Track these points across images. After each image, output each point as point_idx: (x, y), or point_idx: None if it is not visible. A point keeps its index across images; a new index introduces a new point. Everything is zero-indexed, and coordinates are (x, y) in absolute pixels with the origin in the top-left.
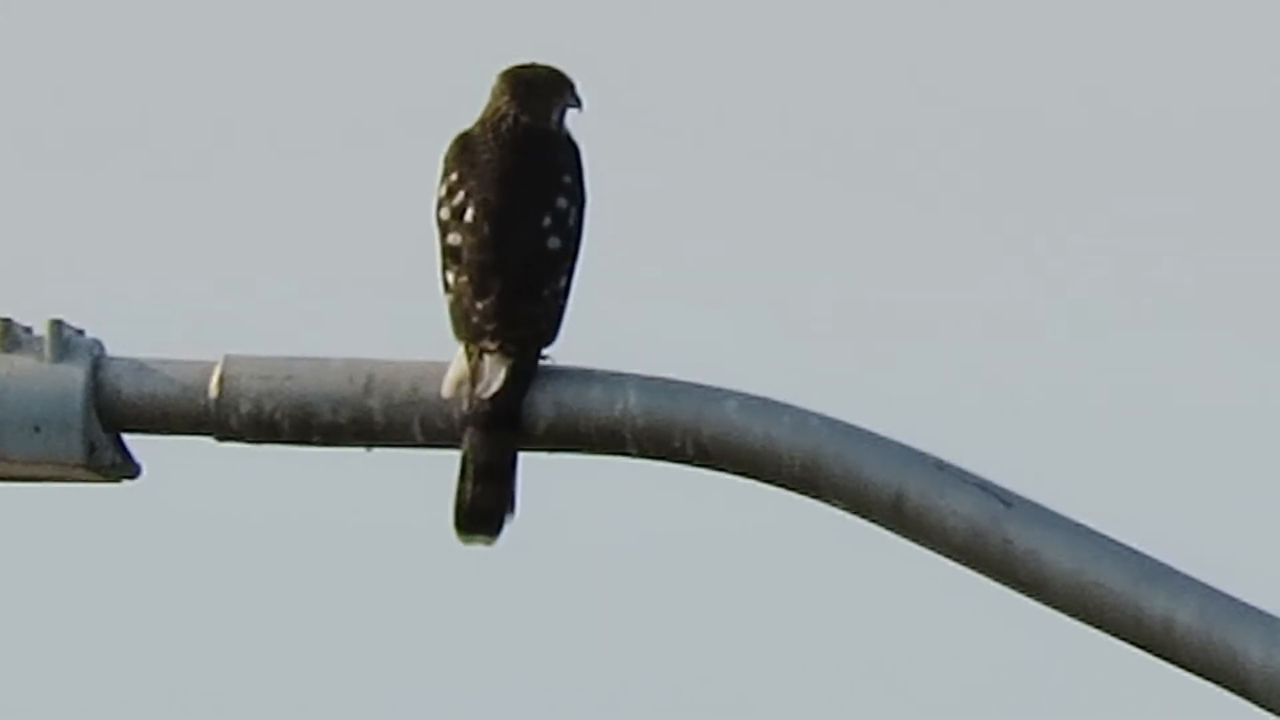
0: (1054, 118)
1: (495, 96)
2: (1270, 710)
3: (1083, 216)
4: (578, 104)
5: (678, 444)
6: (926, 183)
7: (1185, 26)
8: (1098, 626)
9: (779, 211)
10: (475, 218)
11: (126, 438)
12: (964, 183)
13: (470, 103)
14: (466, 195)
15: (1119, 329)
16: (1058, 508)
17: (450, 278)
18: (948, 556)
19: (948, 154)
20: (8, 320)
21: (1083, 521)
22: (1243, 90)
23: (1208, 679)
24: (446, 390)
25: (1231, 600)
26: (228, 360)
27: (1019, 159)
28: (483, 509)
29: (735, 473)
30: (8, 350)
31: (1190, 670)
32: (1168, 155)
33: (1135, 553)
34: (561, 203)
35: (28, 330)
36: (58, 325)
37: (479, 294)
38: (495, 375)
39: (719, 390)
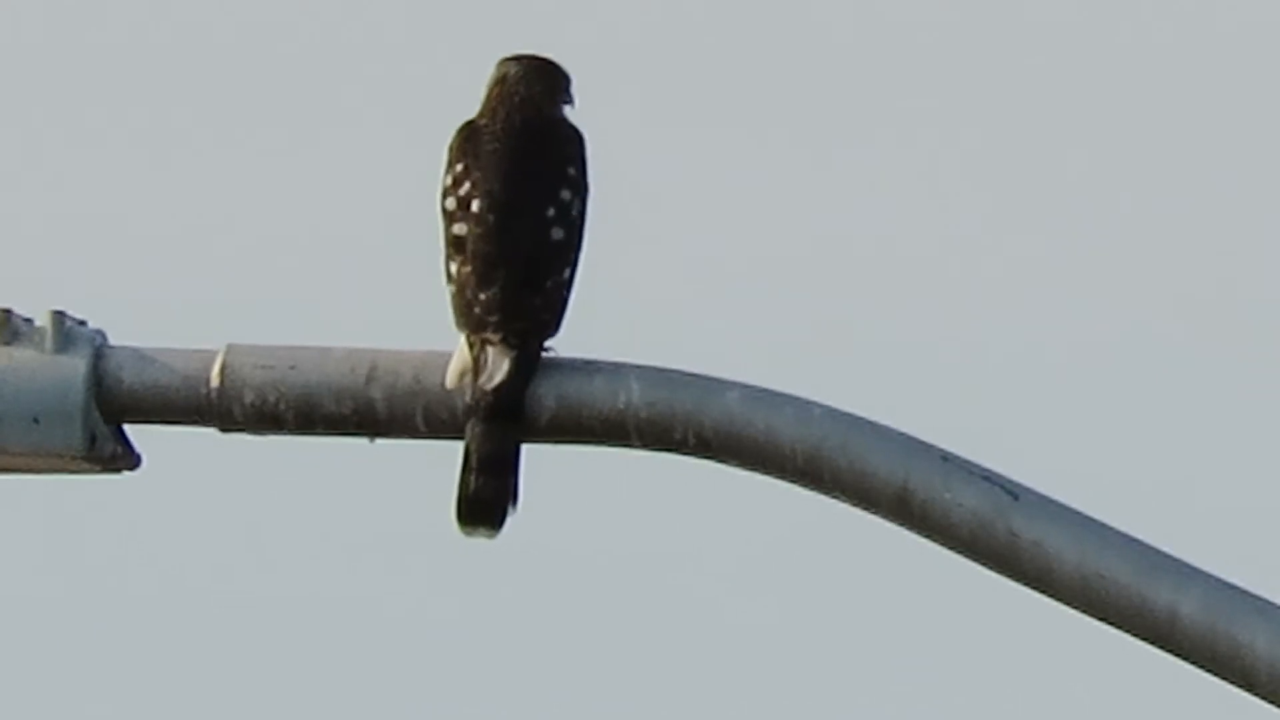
0: (1064, 107)
1: (497, 86)
2: (1274, 702)
3: (1089, 205)
4: (570, 100)
5: (680, 435)
6: (932, 172)
7: (1189, 21)
8: (1102, 619)
9: (781, 201)
10: (480, 209)
11: (128, 428)
12: (971, 171)
13: (474, 92)
14: (472, 186)
15: (1125, 321)
16: (1063, 499)
17: (454, 268)
18: (953, 549)
19: (957, 141)
20: (8, 311)
21: (1088, 513)
22: (1243, 87)
23: (1212, 671)
24: (449, 381)
25: (1236, 592)
26: (230, 349)
27: (1033, 145)
28: (485, 501)
29: (738, 465)
30: (8, 342)
31: (1194, 662)
32: (1180, 146)
33: (1140, 544)
34: (565, 194)
35: (29, 321)
36: (59, 316)
37: (482, 285)
38: (498, 366)
39: (721, 381)
